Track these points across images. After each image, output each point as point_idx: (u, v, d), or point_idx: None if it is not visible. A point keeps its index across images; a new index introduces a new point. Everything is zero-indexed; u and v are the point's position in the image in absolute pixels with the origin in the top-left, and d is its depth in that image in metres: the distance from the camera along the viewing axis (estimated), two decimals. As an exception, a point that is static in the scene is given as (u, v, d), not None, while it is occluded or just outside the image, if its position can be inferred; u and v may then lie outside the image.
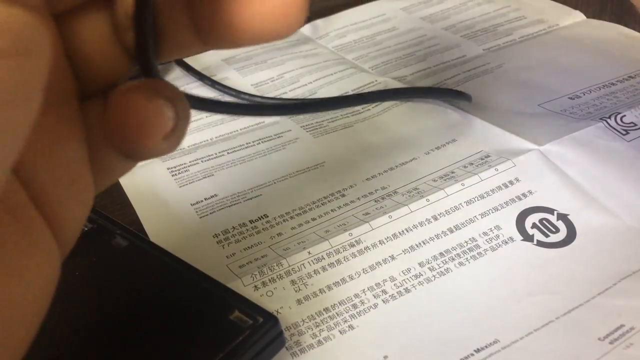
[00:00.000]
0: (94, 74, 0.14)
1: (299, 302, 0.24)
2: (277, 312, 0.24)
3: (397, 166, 0.32)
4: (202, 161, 0.34)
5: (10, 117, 0.10)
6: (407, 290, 0.24)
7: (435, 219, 0.27)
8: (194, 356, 0.20)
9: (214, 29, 0.13)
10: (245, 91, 0.40)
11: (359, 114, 0.37)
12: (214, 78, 0.42)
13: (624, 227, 0.26)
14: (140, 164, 0.16)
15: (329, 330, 0.23)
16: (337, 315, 0.23)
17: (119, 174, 0.15)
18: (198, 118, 0.38)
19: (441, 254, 0.26)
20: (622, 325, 0.21)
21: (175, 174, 0.33)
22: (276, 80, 0.42)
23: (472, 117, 0.34)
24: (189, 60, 0.43)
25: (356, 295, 0.24)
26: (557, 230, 0.26)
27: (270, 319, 0.21)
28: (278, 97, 0.40)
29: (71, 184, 0.13)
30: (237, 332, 0.21)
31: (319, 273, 0.25)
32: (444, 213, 0.27)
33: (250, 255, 0.27)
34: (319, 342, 0.22)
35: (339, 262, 0.25)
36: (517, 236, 0.26)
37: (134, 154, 0.14)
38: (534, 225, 0.27)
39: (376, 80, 0.40)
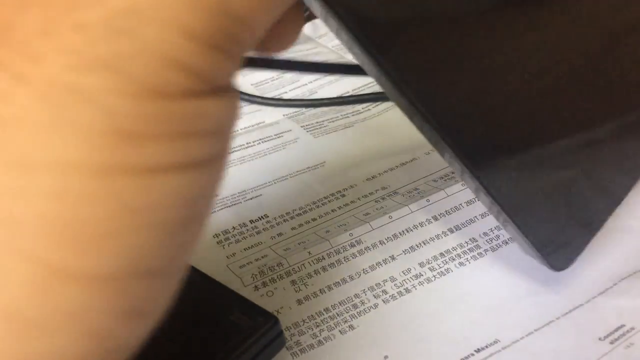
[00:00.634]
0: None
1: (299, 302, 0.24)
2: (278, 312, 0.24)
3: (397, 166, 0.32)
4: (202, 161, 0.34)
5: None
6: (407, 291, 0.24)
7: (436, 219, 0.27)
8: (194, 356, 0.20)
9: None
10: (245, 91, 0.40)
11: (359, 114, 0.37)
12: (214, 78, 0.42)
13: (624, 227, 0.26)
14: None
15: (329, 330, 0.23)
16: (338, 315, 0.23)
17: None
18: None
19: (441, 254, 0.26)
20: (622, 325, 0.21)
21: (176, 174, 0.33)
22: (276, 80, 0.42)
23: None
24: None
25: (356, 296, 0.24)
26: (557, 230, 0.26)
27: (271, 319, 0.21)
28: (278, 97, 0.40)
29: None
30: (237, 333, 0.21)
31: (319, 273, 0.25)
32: (445, 213, 0.27)
33: (250, 256, 0.27)
34: (320, 342, 0.22)
35: (339, 262, 0.25)
36: (517, 236, 0.26)
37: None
38: (534, 225, 0.27)
39: (376, 80, 0.40)
